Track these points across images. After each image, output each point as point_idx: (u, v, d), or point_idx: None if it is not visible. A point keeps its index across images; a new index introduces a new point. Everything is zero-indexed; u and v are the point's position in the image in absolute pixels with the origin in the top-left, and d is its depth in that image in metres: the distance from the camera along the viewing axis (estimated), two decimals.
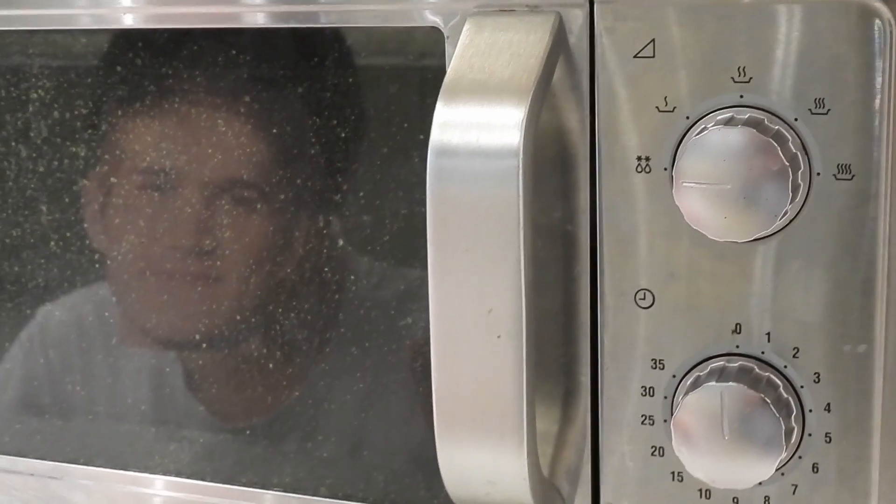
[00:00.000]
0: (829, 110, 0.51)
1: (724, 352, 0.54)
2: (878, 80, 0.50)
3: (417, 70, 0.59)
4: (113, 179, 0.68)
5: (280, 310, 0.65)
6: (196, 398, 0.70)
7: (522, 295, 0.52)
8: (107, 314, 0.71)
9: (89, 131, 0.67)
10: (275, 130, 0.63)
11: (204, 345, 0.68)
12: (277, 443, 0.68)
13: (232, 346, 0.67)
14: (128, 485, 0.71)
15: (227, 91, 0.63)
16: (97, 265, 0.69)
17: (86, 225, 0.69)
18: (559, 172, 0.56)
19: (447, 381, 0.53)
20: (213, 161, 0.64)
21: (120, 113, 0.66)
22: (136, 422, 0.71)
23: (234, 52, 0.62)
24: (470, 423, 0.54)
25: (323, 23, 0.59)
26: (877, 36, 0.50)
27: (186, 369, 0.70)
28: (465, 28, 0.55)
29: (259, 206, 0.64)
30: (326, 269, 0.64)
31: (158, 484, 0.71)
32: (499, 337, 0.52)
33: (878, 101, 0.50)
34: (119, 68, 0.66)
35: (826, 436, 0.53)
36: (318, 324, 0.65)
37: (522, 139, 0.51)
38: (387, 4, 0.58)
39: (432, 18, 0.57)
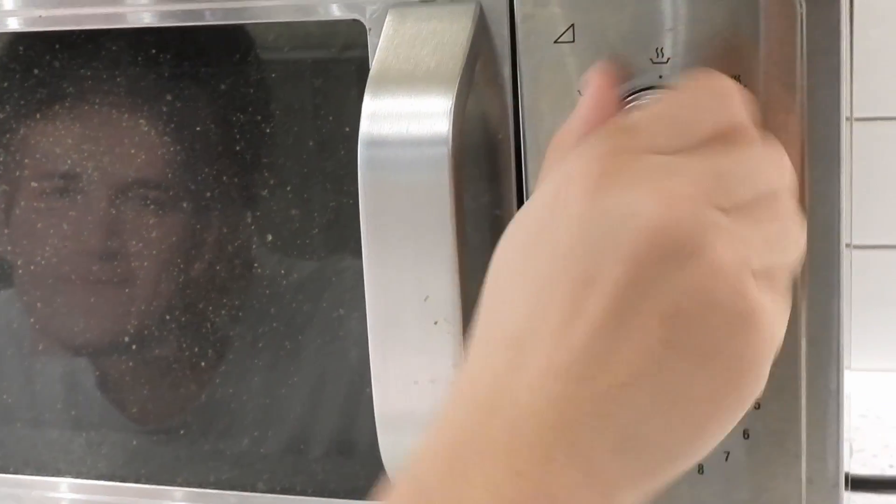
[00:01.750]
0: (745, 87, 0.52)
1: None
2: (792, 55, 0.52)
3: (341, 63, 0.60)
4: (33, 184, 0.67)
5: (210, 307, 0.65)
6: (127, 399, 0.69)
7: (458, 280, 0.53)
8: (24, 321, 0.70)
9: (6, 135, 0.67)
10: (198, 128, 0.63)
11: (132, 346, 0.68)
12: (211, 441, 0.68)
13: (160, 347, 0.67)
14: (61, 491, 0.71)
15: (148, 90, 0.63)
16: (10, 271, 0.69)
17: None
18: (485, 158, 0.57)
19: (386, 369, 0.54)
20: (136, 161, 0.64)
21: (29, 115, 0.65)
22: (64, 427, 0.70)
23: (153, 50, 0.62)
24: (410, 408, 0.54)
25: (246, 18, 0.59)
26: (789, 12, 0.51)
27: (114, 372, 0.69)
28: (387, 19, 0.56)
29: (184, 204, 0.64)
30: (256, 264, 0.64)
31: (92, 488, 0.70)
32: (436, 323, 0.53)
33: (792, 76, 0.52)
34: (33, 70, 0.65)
35: (755, 402, 0.55)
36: (250, 320, 0.65)
37: (451, 126, 0.52)
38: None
39: (352, 11, 0.57)
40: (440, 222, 0.52)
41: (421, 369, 0.54)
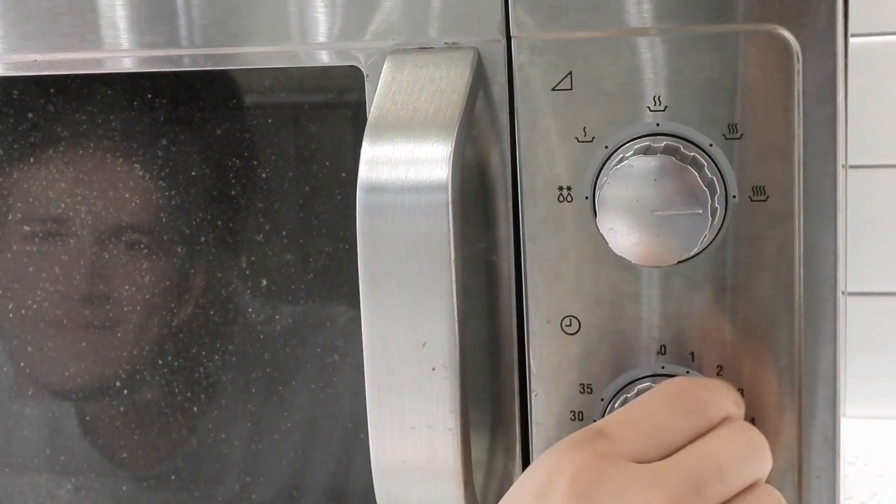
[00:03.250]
0: (742, 135, 0.53)
1: (650, 373, 0.55)
2: (789, 104, 0.52)
3: (337, 108, 0.60)
4: (24, 227, 0.67)
5: (202, 352, 0.65)
6: (116, 445, 0.69)
7: (455, 326, 0.52)
8: (11, 364, 0.70)
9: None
10: (193, 173, 0.63)
11: (122, 391, 0.67)
12: (201, 488, 0.67)
13: (150, 391, 0.67)
14: None
15: (143, 135, 0.63)
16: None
17: None
18: (481, 204, 0.57)
19: (382, 415, 0.54)
20: (129, 205, 0.64)
21: (21, 159, 0.65)
22: (51, 472, 0.70)
23: (148, 95, 0.62)
24: (406, 455, 0.54)
25: (240, 64, 0.59)
26: (785, 63, 0.52)
27: (103, 417, 0.69)
28: (385, 66, 0.56)
29: (177, 249, 0.64)
30: (249, 309, 0.64)
31: None
32: (433, 369, 0.53)
33: (788, 125, 0.52)
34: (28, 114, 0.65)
35: None
36: (242, 365, 0.65)
37: (450, 173, 0.52)
38: (304, 45, 0.58)
39: (348, 58, 0.58)
40: (439, 268, 0.52)
41: (418, 415, 0.53)
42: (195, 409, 0.67)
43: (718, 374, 0.55)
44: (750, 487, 0.49)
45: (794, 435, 0.55)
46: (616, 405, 0.55)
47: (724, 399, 0.51)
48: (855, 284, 1.07)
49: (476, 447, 0.59)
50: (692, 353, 0.55)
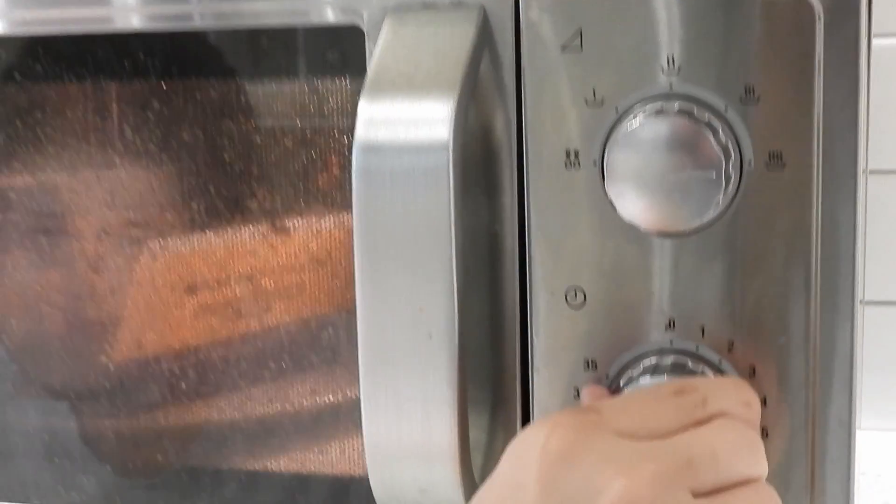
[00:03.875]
0: (759, 98, 0.50)
1: (657, 348, 0.53)
2: (808, 68, 0.49)
3: (336, 69, 0.58)
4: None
5: (197, 349, 0.62)
6: (105, 442, 0.66)
7: (454, 291, 0.50)
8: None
9: None
10: (187, 138, 0.60)
11: (114, 388, 0.65)
12: (196, 485, 0.65)
13: (143, 389, 0.64)
14: None
15: (135, 97, 0.60)
16: None
17: None
18: (484, 172, 0.54)
19: (377, 388, 0.51)
20: (120, 178, 0.62)
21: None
22: (41, 467, 0.67)
23: (141, 55, 0.60)
24: (401, 432, 0.51)
25: (238, 22, 0.57)
26: (806, 24, 0.49)
27: (94, 414, 0.66)
28: (386, 23, 0.53)
29: (169, 217, 0.61)
30: (244, 301, 0.62)
31: None
32: (430, 336, 0.50)
33: (808, 90, 0.50)
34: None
35: (763, 431, 0.52)
36: (239, 360, 0.62)
37: (452, 133, 0.50)
38: (302, 2, 0.56)
39: (349, 15, 0.55)
40: (438, 231, 0.50)
41: (413, 387, 0.51)
42: (188, 403, 0.64)
43: (729, 351, 0.52)
44: (746, 482, 0.46)
45: (807, 417, 0.52)
46: (622, 383, 0.53)
47: (725, 398, 0.48)
48: (871, 293, 1.05)
49: (475, 427, 0.56)
50: (702, 328, 0.52)
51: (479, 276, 0.54)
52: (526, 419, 0.56)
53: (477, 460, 0.56)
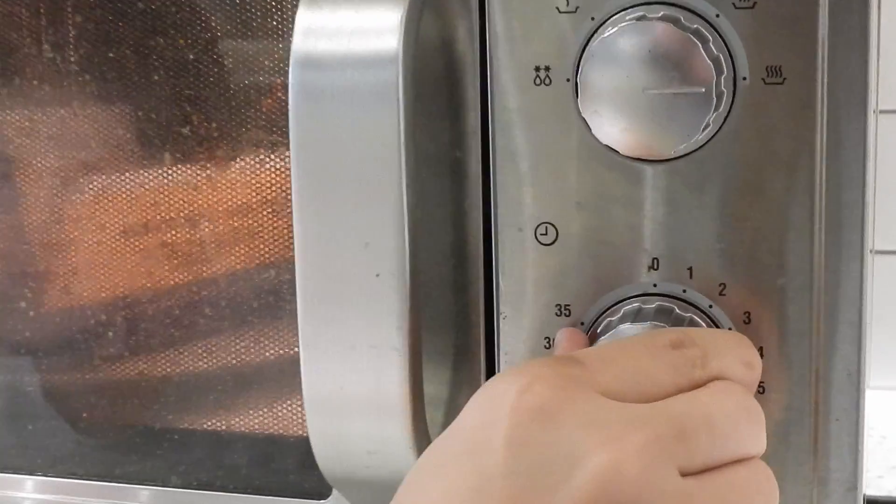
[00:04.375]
0: (755, 4, 0.44)
1: (639, 292, 0.47)
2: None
3: None
4: None
5: (158, 300, 0.56)
6: (55, 396, 0.60)
7: (405, 225, 0.44)
8: None
9: None
10: (111, 54, 0.54)
11: (76, 341, 0.58)
12: (138, 438, 0.59)
13: (101, 341, 0.58)
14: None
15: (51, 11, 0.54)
16: None
17: None
18: (444, 90, 0.48)
19: (317, 332, 0.45)
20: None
21: None
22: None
23: None
24: (345, 381, 0.45)
25: None
26: None
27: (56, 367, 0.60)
28: None
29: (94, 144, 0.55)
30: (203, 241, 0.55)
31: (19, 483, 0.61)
32: (377, 275, 0.44)
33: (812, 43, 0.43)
34: None
35: (759, 386, 0.46)
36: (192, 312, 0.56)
37: (402, 44, 0.44)
38: None
39: None
40: (386, 155, 0.44)
41: (359, 332, 0.45)
42: (148, 356, 0.58)
43: (720, 294, 0.46)
44: (740, 460, 0.39)
45: (810, 369, 0.46)
46: (599, 331, 0.46)
47: (726, 356, 0.41)
48: (879, 243, 0.98)
49: (433, 379, 0.50)
50: (690, 269, 0.46)
51: (437, 209, 0.48)
52: (491, 372, 0.49)
53: (436, 418, 0.50)
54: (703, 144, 0.45)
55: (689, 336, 0.41)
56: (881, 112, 0.91)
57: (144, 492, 0.58)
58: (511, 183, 0.47)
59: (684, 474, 0.37)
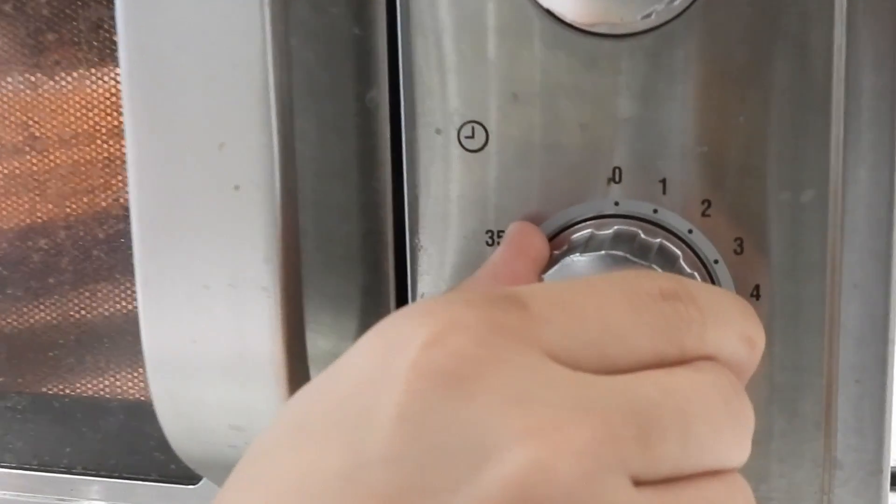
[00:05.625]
0: None
1: (594, 213, 0.35)
2: None
3: None
4: None
5: None
6: None
7: (272, 120, 0.32)
8: None
9: None
10: None
11: None
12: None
13: None
14: None
15: None
16: None
17: None
18: None
19: (158, 265, 0.33)
20: None
21: None
22: None
23: None
24: (196, 332, 0.34)
25: None
26: None
27: None
28: None
29: None
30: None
31: None
32: (236, 187, 0.32)
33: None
34: None
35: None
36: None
37: None
38: None
39: None
40: (246, 26, 0.32)
41: (214, 266, 0.33)
42: None
43: (704, 215, 0.34)
44: (717, 473, 0.28)
45: (824, 315, 0.34)
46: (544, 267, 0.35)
47: (725, 328, 0.29)
48: None
49: (332, 331, 0.38)
50: (663, 182, 0.34)
51: (326, 101, 0.36)
52: None
53: None
54: (681, 12, 0.33)
55: (685, 288, 0.29)
56: None
57: None
58: (426, 68, 0.35)
59: (640, 483, 0.25)
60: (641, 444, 0.26)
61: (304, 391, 0.28)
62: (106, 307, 0.45)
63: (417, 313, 0.27)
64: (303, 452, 0.26)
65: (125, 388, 0.45)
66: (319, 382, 0.28)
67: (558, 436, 0.25)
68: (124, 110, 0.33)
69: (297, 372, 0.34)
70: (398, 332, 0.27)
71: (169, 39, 0.32)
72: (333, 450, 0.26)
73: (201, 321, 0.33)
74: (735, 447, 0.28)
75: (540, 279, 0.34)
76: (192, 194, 0.33)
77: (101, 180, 0.43)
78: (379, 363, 0.27)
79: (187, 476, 0.43)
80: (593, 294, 0.28)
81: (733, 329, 0.29)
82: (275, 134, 0.32)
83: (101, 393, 0.46)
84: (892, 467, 0.37)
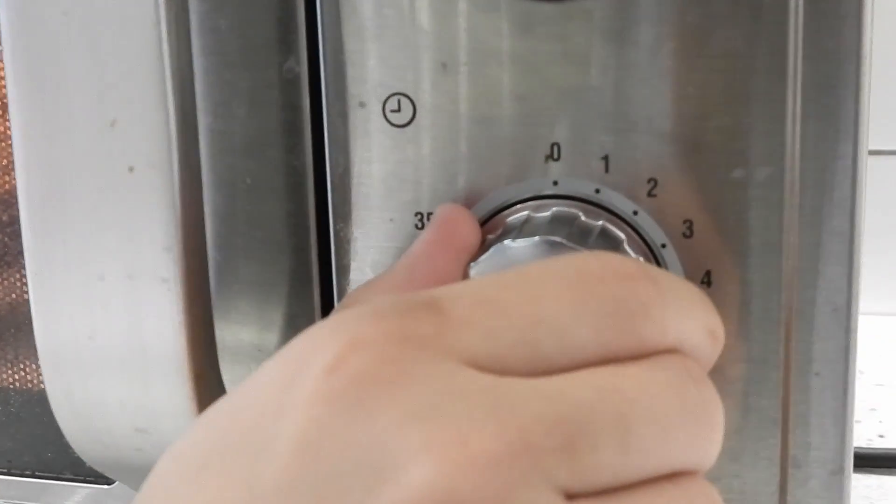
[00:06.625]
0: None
1: (531, 194, 0.32)
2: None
3: None
4: None
5: None
6: None
7: (168, 90, 0.29)
8: None
9: None
10: None
11: None
12: None
13: None
14: None
15: None
16: None
17: None
18: None
19: (48, 255, 0.30)
20: None
21: None
22: None
23: None
24: (94, 327, 0.30)
25: None
26: None
27: None
28: None
29: None
30: None
31: None
32: (131, 169, 0.29)
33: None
34: None
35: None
36: None
37: None
38: None
39: None
40: None
41: (110, 255, 0.30)
42: None
43: (650, 195, 0.31)
44: (673, 476, 0.25)
45: (781, 301, 0.31)
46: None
47: (688, 318, 0.26)
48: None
49: (255, 322, 0.35)
50: (605, 159, 0.31)
51: (240, 71, 0.33)
52: (329, 308, 0.35)
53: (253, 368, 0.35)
54: None
55: (643, 268, 0.26)
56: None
57: None
58: (346, 33, 0.32)
59: (575, 496, 0.22)
60: (567, 453, 0.23)
61: (214, 413, 0.26)
62: (12, 295, 0.42)
63: (323, 332, 0.25)
64: (203, 488, 0.24)
65: (38, 380, 0.42)
66: (224, 409, 0.25)
67: (463, 450, 0.22)
68: (6, 81, 0.30)
69: (205, 370, 0.31)
70: (300, 356, 0.25)
71: (52, 10, 0.29)
72: (230, 483, 0.24)
73: (97, 315, 0.30)
74: (694, 448, 0.25)
75: (467, 270, 0.31)
76: (84, 177, 0.29)
77: (4, 161, 0.40)
78: (281, 390, 0.24)
79: (104, 475, 0.40)
80: (525, 285, 0.25)
81: (697, 319, 0.26)
82: (171, 108, 0.29)
83: (10, 386, 0.43)
84: (854, 449, 0.35)
